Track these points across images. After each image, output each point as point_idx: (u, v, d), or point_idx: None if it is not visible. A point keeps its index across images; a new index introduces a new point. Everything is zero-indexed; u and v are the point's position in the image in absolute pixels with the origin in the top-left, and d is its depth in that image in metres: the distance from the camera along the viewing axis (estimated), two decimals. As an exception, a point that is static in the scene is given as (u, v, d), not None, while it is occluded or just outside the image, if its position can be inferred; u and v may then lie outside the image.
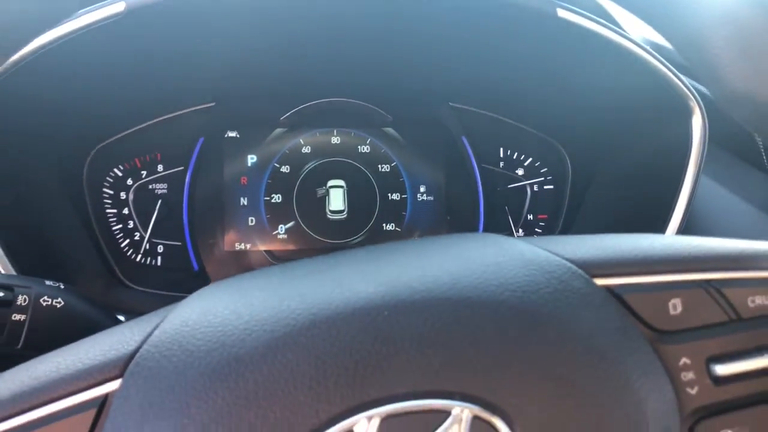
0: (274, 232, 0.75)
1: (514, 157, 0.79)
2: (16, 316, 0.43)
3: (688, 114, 0.59)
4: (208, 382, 0.28)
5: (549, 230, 0.79)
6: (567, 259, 0.33)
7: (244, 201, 0.75)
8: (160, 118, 0.74)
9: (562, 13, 0.55)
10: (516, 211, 0.79)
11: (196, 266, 0.74)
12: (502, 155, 0.79)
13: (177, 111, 0.74)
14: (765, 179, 0.67)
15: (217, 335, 0.29)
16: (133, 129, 0.73)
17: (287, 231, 0.76)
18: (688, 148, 0.59)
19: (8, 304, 0.42)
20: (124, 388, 0.29)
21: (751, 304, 0.33)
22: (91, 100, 0.64)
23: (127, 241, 0.74)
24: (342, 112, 0.76)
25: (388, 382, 0.28)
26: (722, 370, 0.31)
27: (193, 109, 0.74)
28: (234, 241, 0.75)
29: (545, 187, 0.79)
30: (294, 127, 0.76)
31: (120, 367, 0.29)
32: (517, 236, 0.77)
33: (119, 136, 0.73)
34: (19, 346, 0.43)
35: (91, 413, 0.29)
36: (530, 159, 0.79)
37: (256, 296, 0.32)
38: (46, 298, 0.44)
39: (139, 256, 0.74)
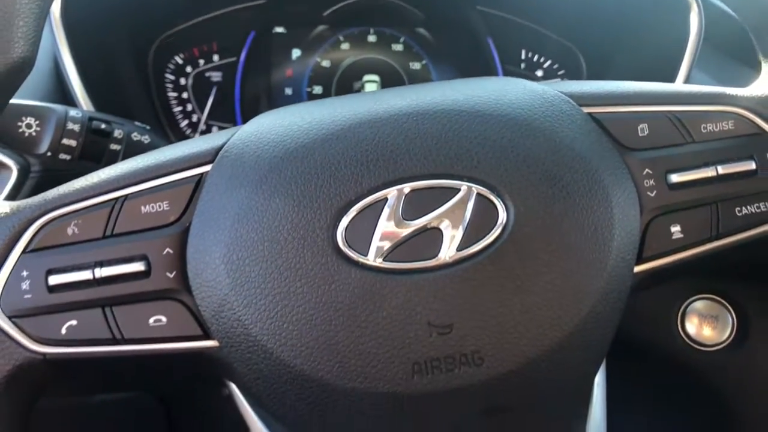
0: (315, 120, 0.84)
1: (535, 59, 0.87)
2: (113, 146, 0.53)
3: (686, 9, 0.66)
4: (279, 162, 0.37)
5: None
6: (560, 92, 0.41)
7: (288, 91, 0.84)
8: (217, 12, 0.82)
9: None
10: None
11: None
12: (523, 57, 0.87)
13: (232, 6, 0.82)
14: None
15: (285, 131, 0.39)
16: (193, 21, 0.82)
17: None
18: (685, 42, 0.67)
19: (107, 134, 0.52)
20: (215, 169, 0.38)
21: (703, 130, 0.41)
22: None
23: (186, 122, 0.84)
24: (379, 10, 0.83)
25: (414, 166, 0.37)
26: (676, 178, 0.40)
27: (246, 5, 0.83)
28: (279, 126, 0.84)
29: (561, 87, 0.87)
30: (335, 25, 0.84)
31: (212, 154, 0.39)
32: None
33: (180, 27, 0.82)
34: (116, 171, 0.53)
35: (190, 186, 0.38)
36: (549, 61, 0.86)
37: (314, 109, 0.41)
38: (136, 134, 0.54)
39: (197, 136, 0.84)
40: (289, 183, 0.37)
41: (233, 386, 0.44)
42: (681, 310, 0.68)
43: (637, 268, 0.40)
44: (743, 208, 0.41)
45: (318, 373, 0.36)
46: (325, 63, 0.84)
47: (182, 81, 0.83)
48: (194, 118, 0.84)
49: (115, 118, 0.54)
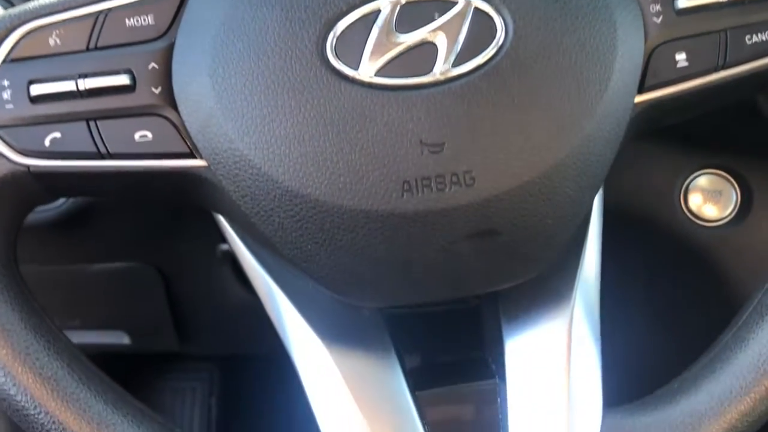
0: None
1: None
2: None
3: None
4: None
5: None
6: None
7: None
8: None
9: None
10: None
11: None
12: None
13: None
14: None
15: None
16: None
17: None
18: None
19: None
20: None
21: None
22: None
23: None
24: None
25: None
26: (684, 3, 0.38)
27: None
28: None
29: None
30: None
31: None
32: None
33: None
34: None
35: (176, 1, 0.37)
36: None
37: None
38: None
39: None
40: None
41: (221, 219, 0.44)
42: (684, 185, 0.67)
43: (638, 98, 0.38)
44: (753, 36, 0.39)
45: (306, 189, 0.35)
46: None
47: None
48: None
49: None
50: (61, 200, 0.59)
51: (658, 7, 0.38)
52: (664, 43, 0.38)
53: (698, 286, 0.70)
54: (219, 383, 1.09)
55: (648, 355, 0.71)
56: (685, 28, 0.38)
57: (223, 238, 0.49)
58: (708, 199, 0.67)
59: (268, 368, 0.94)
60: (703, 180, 0.67)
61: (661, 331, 0.74)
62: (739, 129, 0.64)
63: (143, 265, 0.69)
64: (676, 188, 0.68)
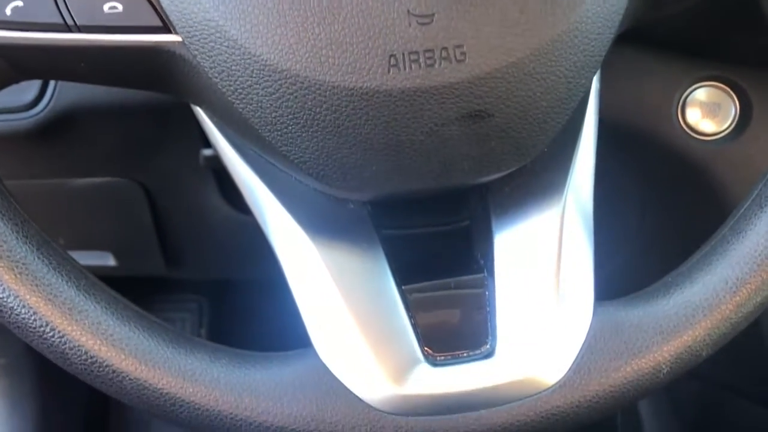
0: None
1: None
2: None
3: None
4: None
5: None
6: None
7: None
8: None
9: None
10: None
11: None
12: None
13: None
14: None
15: None
16: None
17: None
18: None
19: None
20: None
21: None
22: None
23: None
24: None
25: None
26: None
27: None
28: None
29: None
30: None
31: None
32: None
33: None
34: None
35: None
36: None
37: None
38: None
39: None
40: None
41: (201, 114, 0.42)
42: (682, 98, 0.65)
43: None
44: None
45: (287, 64, 0.33)
46: None
47: None
48: None
49: None
50: (39, 107, 0.57)
51: None
52: None
53: (694, 200, 0.69)
54: (208, 313, 1.09)
55: (640, 260, 0.70)
56: None
57: (207, 144, 0.47)
58: (706, 112, 0.66)
59: (258, 294, 0.93)
60: (701, 93, 0.65)
61: (656, 245, 0.73)
62: (740, 39, 0.62)
63: (127, 181, 0.67)
64: (674, 102, 0.66)
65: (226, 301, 1.09)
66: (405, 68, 0.33)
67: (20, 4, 0.33)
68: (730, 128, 0.65)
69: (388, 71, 0.33)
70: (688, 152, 0.66)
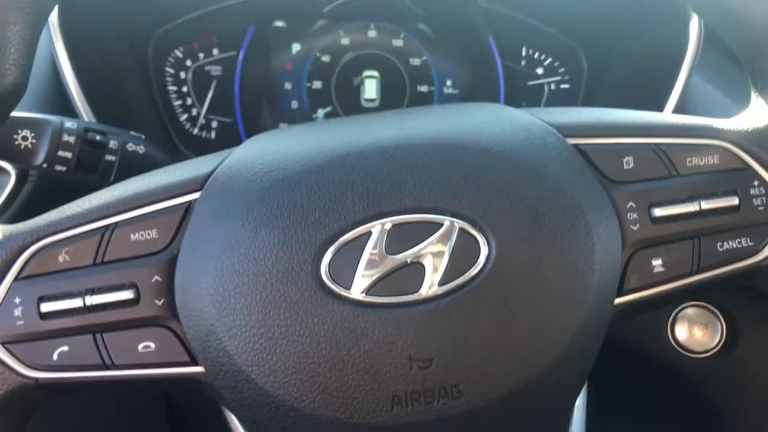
0: (314, 115, 0.85)
1: (535, 56, 0.86)
2: (108, 157, 0.53)
3: (687, 17, 0.66)
4: (267, 193, 0.38)
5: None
6: (545, 122, 0.42)
7: (288, 86, 0.84)
8: (217, 6, 0.82)
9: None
10: (533, 107, 0.87)
11: (244, 140, 0.84)
12: (524, 54, 0.86)
13: (232, 0, 0.82)
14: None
15: (273, 161, 0.39)
16: (192, 15, 0.82)
17: (325, 115, 0.85)
18: (686, 45, 0.67)
19: (103, 146, 0.53)
20: (204, 197, 0.39)
21: (688, 164, 0.42)
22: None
23: (186, 115, 0.84)
24: (379, 6, 0.83)
25: (399, 200, 0.38)
26: (659, 212, 0.41)
27: (245, -2, 0.82)
28: (278, 121, 0.84)
29: (561, 86, 0.86)
30: (335, 19, 0.84)
31: (201, 182, 0.40)
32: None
33: (179, 20, 0.82)
34: (111, 181, 0.54)
35: (179, 215, 0.39)
36: (550, 59, 0.86)
37: (302, 138, 0.41)
38: (131, 144, 0.54)
39: (196, 130, 0.84)
40: (274, 215, 0.37)
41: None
42: (671, 316, 0.69)
43: (617, 300, 0.40)
44: (725, 243, 0.41)
45: (300, 404, 0.37)
46: (325, 58, 0.84)
47: (182, 75, 0.83)
48: (194, 111, 0.84)
49: (110, 129, 0.54)
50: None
51: (635, 216, 0.41)
52: (641, 249, 0.41)
53: (686, 417, 0.71)
54: None
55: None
56: (660, 236, 0.41)
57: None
58: (695, 329, 0.69)
59: None
60: (690, 311, 0.69)
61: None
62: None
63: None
64: (664, 319, 0.69)
65: None
66: (407, 406, 0.37)
67: (66, 348, 0.37)
68: (719, 347, 0.68)
69: (392, 409, 0.37)
70: (679, 368, 0.69)
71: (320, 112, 0.85)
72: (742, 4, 0.41)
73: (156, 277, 0.38)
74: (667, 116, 0.44)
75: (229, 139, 0.84)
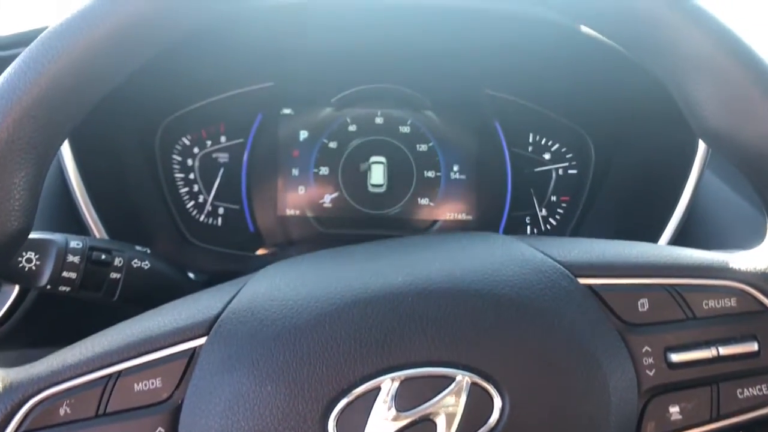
0: (321, 201, 0.84)
1: (543, 142, 0.86)
2: (113, 275, 0.53)
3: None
4: (272, 344, 0.37)
5: (570, 211, 0.86)
6: (557, 261, 0.41)
7: (295, 172, 0.84)
8: (225, 95, 0.83)
9: (584, 29, 0.62)
10: (541, 192, 0.86)
11: (251, 228, 0.84)
12: (531, 140, 0.86)
13: (240, 89, 0.82)
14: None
15: (280, 308, 0.39)
16: (201, 103, 0.83)
17: (332, 200, 0.84)
18: (694, 150, 0.66)
19: (107, 264, 0.52)
20: (209, 344, 0.38)
21: (705, 306, 0.41)
22: (165, 76, 0.74)
23: (193, 202, 0.84)
24: (386, 95, 0.83)
25: (409, 353, 0.37)
26: (676, 357, 0.40)
27: (254, 87, 0.83)
28: (285, 207, 0.84)
29: (569, 171, 0.86)
30: (342, 106, 0.84)
31: (206, 327, 0.39)
32: (540, 215, 0.85)
33: (188, 109, 0.83)
34: (115, 299, 0.53)
35: (184, 361, 0.38)
36: (557, 145, 0.86)
37: (310, 278, 0.41)
38: (136, 260, 0.54)
39: (203, 217, 0.84)
40: (281, 369, 0.37)
41: None
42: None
43: None
44: (745, 389, 0.40)
45: None
46: (332, 144, 0.84)
47: (189, 162, 0.83)
48: (200, 198, 0.84)
49: (115, 245, 0.54)
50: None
51: (650, 360, 0.39)
52: (657, 395, 0.40)
53: None
54: None
55: None
56: (677, 381, 0.40)
57: None
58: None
59: None
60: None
61: None
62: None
63: None
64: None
65: None
66: None
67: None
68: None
69: None
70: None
71: (327, 198, 0.84)
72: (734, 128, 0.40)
73: (159, 429, 0.37)
74: (682, 253, 0.43)
75: (235, 226, 0.84)
